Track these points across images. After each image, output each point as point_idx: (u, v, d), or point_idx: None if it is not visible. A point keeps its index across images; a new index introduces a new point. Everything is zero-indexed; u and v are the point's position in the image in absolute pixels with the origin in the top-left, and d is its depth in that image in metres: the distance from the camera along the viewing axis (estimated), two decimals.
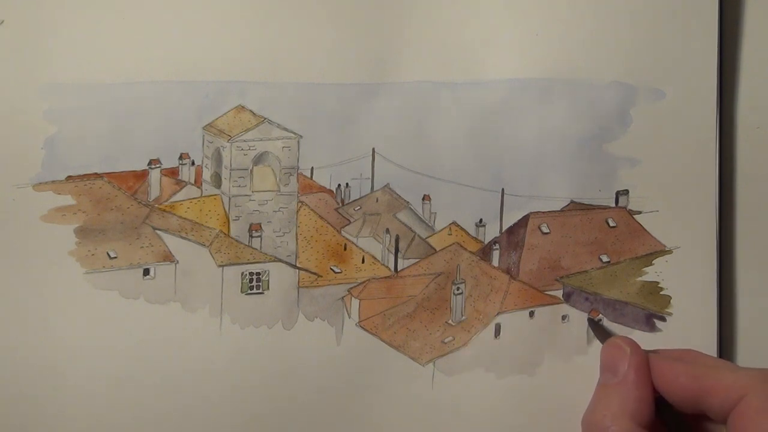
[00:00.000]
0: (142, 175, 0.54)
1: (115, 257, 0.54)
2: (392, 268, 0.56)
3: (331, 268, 0.55)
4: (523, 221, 0.56)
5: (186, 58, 0.54)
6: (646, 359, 0.49)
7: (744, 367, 0.48)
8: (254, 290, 0.55)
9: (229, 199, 0.55)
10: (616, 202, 0.56)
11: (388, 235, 0.56)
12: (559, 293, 0.56)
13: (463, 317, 0.56)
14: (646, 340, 0.52)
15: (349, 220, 0.56)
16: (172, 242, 0.54)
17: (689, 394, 0.47)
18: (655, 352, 0.51)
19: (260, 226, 0.55)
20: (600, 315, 0.56)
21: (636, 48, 0.55)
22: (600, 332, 0.54)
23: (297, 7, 0.54)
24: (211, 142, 0.54)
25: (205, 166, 0.55)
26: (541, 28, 0.55)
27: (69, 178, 0.53)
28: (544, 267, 0.56)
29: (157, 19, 0.54)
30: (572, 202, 0.56)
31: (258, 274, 0.55)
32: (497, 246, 0.56)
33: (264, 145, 0.55)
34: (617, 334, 0.53)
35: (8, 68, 0.53)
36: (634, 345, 0.50)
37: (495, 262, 0.56)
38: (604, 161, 0.56)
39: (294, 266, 0.55)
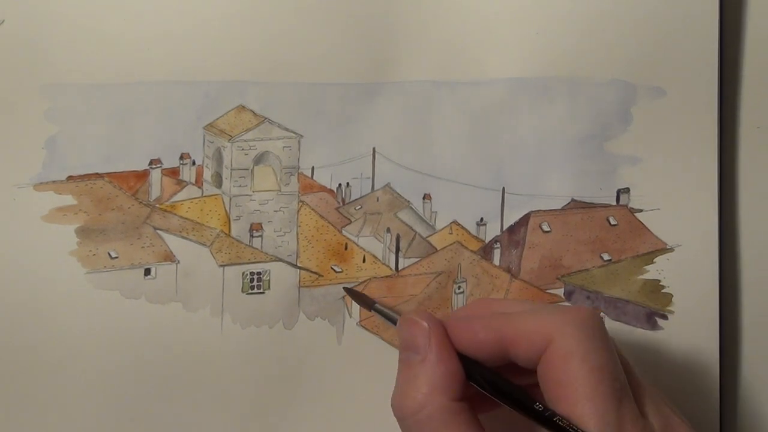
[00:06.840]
0: (143, 175, 0.54)
1: (116, 257, 0.54)
2: (393, 268, 0.56)
3: (332, 268, 0.55)
4: (524, 220, 0.56)
5: (186, 58, 0.54)
6: (444, 330, 0.46)
7: (544, 309, 0.46)
8: (255, 290, 0.55)
9: (230, 198, 0.55)
10: (617, 200, 0.56)
11: (389, 235, 0.56)
12: (560, 292, 0.56)
13: None
14: (647, 339, 0.52)
15: (349, 219, 0.56)
16: (173, 242, 0.54)
17: (493, 348, 0.45)
18: (448, 316, 0.48)
19: (261, 226, 0.55)
20: (601, 313, 0.56)
21: (636, 46, 0.55)
22: (385, 315, 0.49)
23: (297, 7, 0.54)
24: (212, 142, 0.54)
25: (206, 166, 0.55)
26: (541, 27, 0.55)
27: (70, 178, 0.53)
28: (545, 266, 0.56)
29: (157, 19, 0.54)
30: (573, 200, 0.56)
31: (259, 273, 0.55)
32: (498, 245, 0.56)
33: (264, 145, 0.55)
34: (401, 314, 0.48)
35: (8, 68, 0.53)
36: (431, 318, 0.46)
37: (496, 260, 0.56)
38: (604, 159, 0.56)
39: (295, 266, 0.55)
